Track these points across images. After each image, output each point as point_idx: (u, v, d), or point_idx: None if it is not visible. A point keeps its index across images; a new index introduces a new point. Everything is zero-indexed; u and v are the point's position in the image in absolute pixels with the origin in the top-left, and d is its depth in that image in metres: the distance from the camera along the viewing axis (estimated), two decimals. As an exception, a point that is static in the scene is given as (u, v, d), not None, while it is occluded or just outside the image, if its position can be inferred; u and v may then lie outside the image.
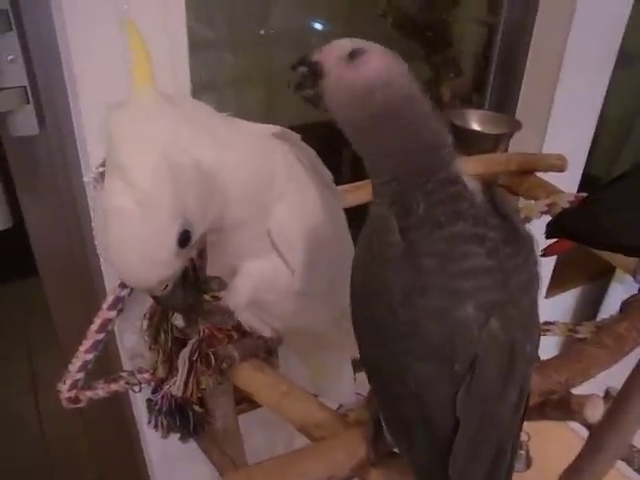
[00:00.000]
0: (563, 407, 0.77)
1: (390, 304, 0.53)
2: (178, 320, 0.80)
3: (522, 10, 1.56)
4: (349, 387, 1.02)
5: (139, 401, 1.26)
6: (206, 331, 0.80)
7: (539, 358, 1.02)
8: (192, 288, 0.67)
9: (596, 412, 0.76)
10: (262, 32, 1.96)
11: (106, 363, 1.29)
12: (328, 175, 0.77)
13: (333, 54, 0.58)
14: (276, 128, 0.70)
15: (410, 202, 0.55)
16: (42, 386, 2.20)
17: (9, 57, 0.97)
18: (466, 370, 0.52)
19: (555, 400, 0.77)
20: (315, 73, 0.59)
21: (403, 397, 0.56)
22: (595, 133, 1.71)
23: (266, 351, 0.83)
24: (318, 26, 2.03)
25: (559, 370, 0.73)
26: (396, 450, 0.66)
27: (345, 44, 0.58)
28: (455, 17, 2.05)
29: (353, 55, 0.56)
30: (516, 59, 1.60)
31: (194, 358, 0.81)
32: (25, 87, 1.00)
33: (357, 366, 1.07)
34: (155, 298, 0.62)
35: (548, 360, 0.76)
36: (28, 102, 1.01)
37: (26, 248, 1.19)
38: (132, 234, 0.52)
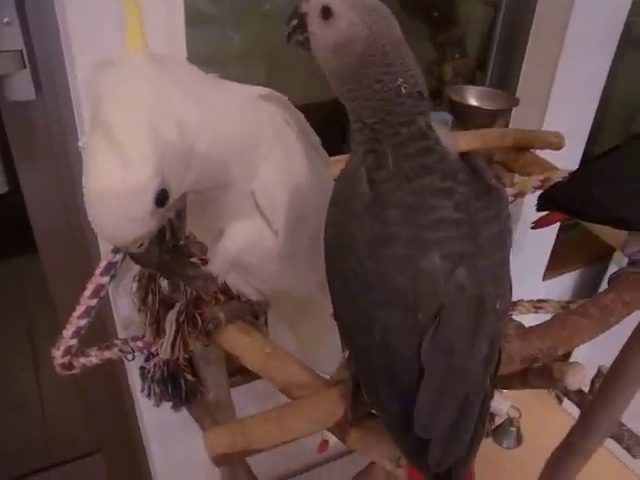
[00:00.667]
0: (545, 375, 0.78)
1: (357, 254, 0.54)
2: (166, 281, 0.81)
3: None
4: (338, 357, 1.03)
5: (134, 371, 1.27)
6: (193, 293, 0.81)
7: (523, 325, 1.03)
8: (170, 249, 0.66)
9: (577, 380, 0.76)
10: (267, 7, 1.96)
11: (102, 332, 1.30)
12: (316, 139, 0.77)
13: (312, 7, 0.59)
14: (265, 90, 0.70)
15: (381, 155, 0.56)
16: (42, 361, 2.21)
17: (5, 19, 0.96)
18: (431, 320, 0.53)
19: (537, 368, 0.77)
20: (303, 24, 0.60)
21: (370, 348, 0.56)
22: (600, 114, 1.70)
23: (252, 314, 0.84)
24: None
25: (542, 337, 0.74)
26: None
27: None
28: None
29: (325, 14, 0.58)
30: (518, 37, 1.59)
31: (181, 319, 0.82)
32: (21, 51, 1.00)
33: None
34: (131, 256, 0.62)
35: (531, 327, 0.77)
36: (25, 66, 1.01)
37: (25, 224, 1.21)
38: (111, 190, 0.53)
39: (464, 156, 0.59)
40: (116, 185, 0.52)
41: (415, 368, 0.53)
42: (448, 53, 2.02)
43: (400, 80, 0.57)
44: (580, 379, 0.76)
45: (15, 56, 0.99)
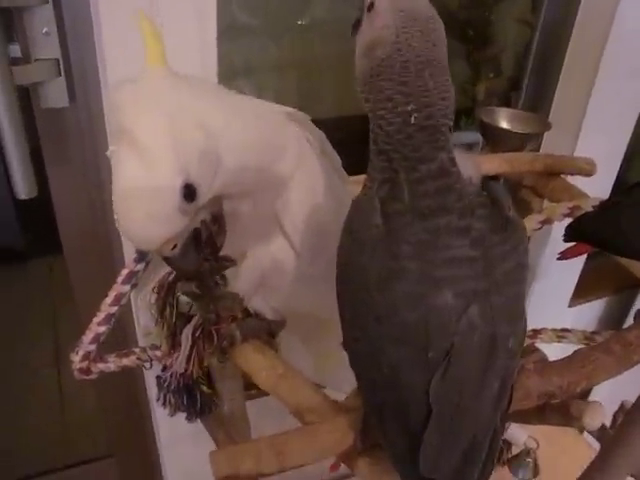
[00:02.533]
0: (563, 412, 0.76)
1: (367, 286, 0.53)
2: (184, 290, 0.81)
3: (562, 10, 1.53)
4: (351, 374, 1.02)
5: (151, 379, 1.28)
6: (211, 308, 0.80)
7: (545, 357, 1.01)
8: (208, 255, 0.66)
9: (596, 420, 0.73)
10: (301, 22, 1.97)
11: (122, 338, 1.32)
12: (337, 159, 0.77)
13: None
14: (287, 108, 0.70)
15: (397, 188, 0.54)
16: (65, 361, 2.24)
17: (44, 30, 0.99)
18: (441, 358, 0.51)
19: (555, 404, 0.75)
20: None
21: (378, 382, 0.55)
22: (633, 140, 1.66)
23: (268, 333, 0.83)
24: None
25: (561, 374, 0.71)
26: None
27: None
28: (498, 15, 2.02)
29: (369, 7, 0.54)
30: (553, 59, 1.57)
31: (197, 335, 0.81)
32: (58, 59, 1.03)
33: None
34: (166, 260, 0.61)
35: (551, 362, 0.75)
36: (60, 74, 1.04)
37: (51, 226, 1.22)
38: (135, 190, 0.53)
39: (487, 181, 0.57)
40: (140, 184, 0.53)
41: (423, 405, 0.52)
42: (482, 72, 2.01)
43: (412, 106, 0.52)
44: (599, 419, 0.74)
45: (51, 64, 1.02)
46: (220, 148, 0.58)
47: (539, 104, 1.64)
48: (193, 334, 0.82)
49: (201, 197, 0.57)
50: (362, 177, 1.10)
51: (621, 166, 1.67)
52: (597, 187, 1.20)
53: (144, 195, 0.53)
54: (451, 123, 0.55)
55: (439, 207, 0.52)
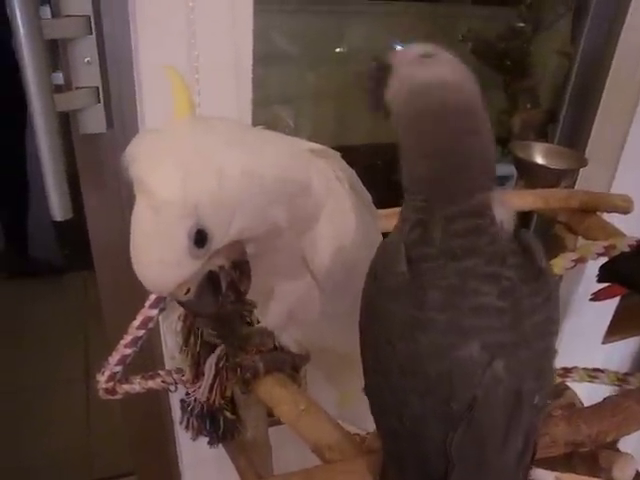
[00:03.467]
0: (591, 461, 0.73)
1: (390, 336, 0.52)
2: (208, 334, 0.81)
3: (601, 41, 1.51)
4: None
5: (176, 401, 1.28)
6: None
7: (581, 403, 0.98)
8: (228, 301, 0.65)
9: (626, 473, 0.71)
10: (338, 50, 1.99)
11: (150, 360, 1.33)
12: (367, 196, 0.77)
13: (405, 55, 0.56)
14: (316, 145, 0.70)
15: (429, 229, 0.53)
16: (94, 377, 2.27)
17: (86, 59, 1.02)
18: (464, 410, 0.50)
19: (584, 452, 0.73)
20: (384, 71, 0.57)
21: (399, 431, 0.54)
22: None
23: (292, 367, 0.83)
24: (397, 47, 2.03)
25: (590, 422, 0.69)
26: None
27: (418, 47, 0.56)
28: (536, 46, 2.01)
29: (426, 55, 0.55)
30: (591, 92, 1.55)
31: (220, 365, 0.82)
32: (98, 87, 1.05)
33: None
34: (182, 304, 0.62)
35: (579, 409, 0.73)
36: (99, 101, 1.06)
37: (87, 241, 1.25)
38: (146, 235, 0.55)
39: (519, 228, 0.55)
40: (150, 229, 0.55)
41: (444, 458, 0.51)
42: (519, 103, 1.99)
43: (467, 149, 0.53)
44: (630, 472, 0.71)
45: (91, 92, 1.05)
46: (238, 194, 0.58)
47: (576, 138, 1.62)
48: (217, 364, 0.82)
49: (214, 242, 0.57)
50: (393, 210, 1.10)
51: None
52: (633, 225, 1.18)
53: (153, 240, 0.55)
54: (493, 164, 0.55)
55: (470, 248, 0.52)
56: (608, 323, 1.81)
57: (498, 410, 0.51)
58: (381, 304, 0.54)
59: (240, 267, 0.64)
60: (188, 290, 0.59)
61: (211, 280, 0.61)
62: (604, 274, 0.91)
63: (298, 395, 0.76)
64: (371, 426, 0.94)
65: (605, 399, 0.76)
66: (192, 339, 0.84)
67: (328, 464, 0.66)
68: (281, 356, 0.81)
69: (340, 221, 0.71)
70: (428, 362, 0.51)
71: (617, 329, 1.85)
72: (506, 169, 1.66)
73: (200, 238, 0.56)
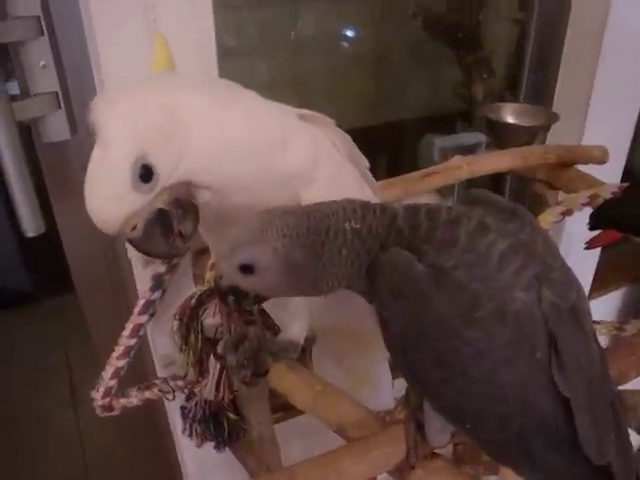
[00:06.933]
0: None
1: (451, 332, 0.52)
2: (209, 318, 0.78)
3: (556, 3, 1.52)
4: (387, 391, 0.98)
5: (174, 411, 1.25)
6: (237, 330, 0.78)
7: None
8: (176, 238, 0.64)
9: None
10: (292, 37, 1.97)
11: (141, 373, 1.28)
12: (365, 162, 0.75)
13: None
14: (309, 112, 0.69)
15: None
16: (81, 400, 2.22)
17: (41, 63, 0.97)
18: (547, 352, 0.52)
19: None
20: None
21: (508, 414, 0.54)
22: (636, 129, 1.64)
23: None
24: (349, 31, 2.03)
25: (610, 366, 0.68)
26: (436, 451, 0.63)
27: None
28: (486, 17, 2.02)
29: (245, 270, 0.58)
30: (551, 51, 1.56)
31: (226, 358, 0.79)
32: (57, 92, 1.01)
33: (395, 372, 1.04)
34: (131, 242, 0.61)
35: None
36: (59, 107, 1.02)
37: (64, 266, 1.20)
38: (93, 173, 0.57)
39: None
40: (96, 166, 0.57)
41: (556, 405, 0.52)
42: (476, 74, 2.00)
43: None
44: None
45: (51, 98, 1.00)
46: (191, 134, 0.58)
47: (541, 97, 1.63)
48: (221, 358, 0.79)
49: (161, 178, 0.57)
50: (388, 181, 1.09)
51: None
52: (607, 175, 1.19)
53: (99, 175, 0.56)
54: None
55: (446, 230, 0.55)
56: (591, 279, 1.83)
57: (570, 331, 0.53)
58: (425, 312, 0.54)
59: (182, 206, 0.62)
60: (135, 227, 0.58)
61: (161, 219, 0.60)
62: (596, 221, 0.91)
63: (311, 377, 0.74)
64: (380, 404, 0.92)
65: (617, 341, 0.76)
66: (192, 336, 0.81)
67: (357, 441, 0.63)
68: (287, 341, 0.79)
69: (337, 189, 0.68)
70: (496, 332, 0.52)
71: (600, 284, 1.88)
72: (475, 137, 1.67)
73: (145, 172, 0.56)
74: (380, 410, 0.78)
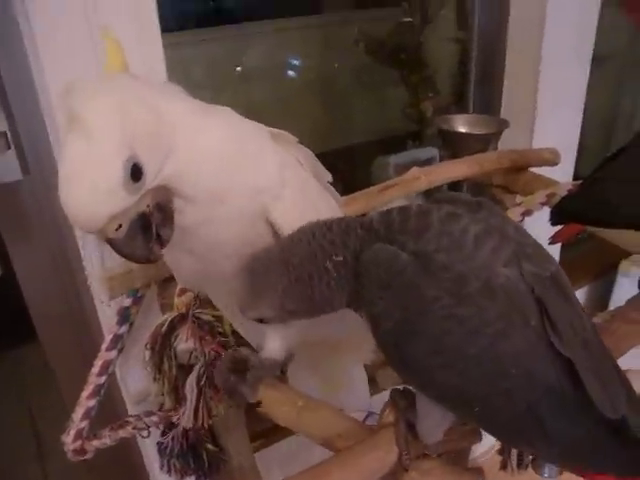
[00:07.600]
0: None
1: (445, 310, 0.53)
2: (181, 344, 0.76)
3: (494, 18, 1.58)
4: (364, 391, 0.97)
5: (149, 448, 1.20)
6: (211, 353, 0.76)
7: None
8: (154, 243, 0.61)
9: (636, 387, 0.71)
10: (238, 70, 1.99)
11: (110, 412, 1.24)
12: (327, 175, 0.75)
13: None
14: (275, 130, 0.69)
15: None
16: (48, 454, 2.12)
17: (-14, 103, 0.95)
18: (539, 319, 0.53)
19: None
20: None
21: (515, 388, 0.54)
22: (581, 135, 1.70)
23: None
24: (294, 60, 2.06)
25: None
26: (427, 452, 0.62)
27: None
28: (427, 38, 2.08)
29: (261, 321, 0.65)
30: (493, 65, 1.62)
31: (202, 383, 0.76)
32: (5, 132, 0.98)
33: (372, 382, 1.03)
34: (112, 243, 0.57)
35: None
36: (9, 147, 0.99)
37: (22, 312, 1.16)
38: (79, 166, 0.52)
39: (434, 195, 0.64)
40: (84, 159, 0.52)
41: (559, 369, 0.53)
42: (422, 93, 2.05)
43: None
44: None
45: (-1, 138, 0.97)
46: (173, 134, 0.57)
47: (488, 109, 1.67)
48: (197, 383, 0.77)
49: (148, 178, 0.55)
50: (348, 197, 1.09)
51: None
52: (558, 176, 1.22)
53: (86, 168, 0.52)
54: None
55: (419, 219, 0.57)
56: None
57: (556, 298, 0.54)
58: (418, 299, 0.54)
59: (163, 211, 0.61)
60: (119, 227, 0.56)
61: (144, 222, 0.58)
62: (557, 216, 0.92)
63: (292, 393, 0.72)
64: (356, 405, 0.91)
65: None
66: (166, 364, 0.78)
67: (347, 450, 0.62)
68: (268, 362, 0.77)
69: (303, 203, 0.68)
70: (487, 307, 0.53)
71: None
72: (428, 152, 1.71)
73: (135, 172, 0.53)
74: (357, 409, 0.77)
